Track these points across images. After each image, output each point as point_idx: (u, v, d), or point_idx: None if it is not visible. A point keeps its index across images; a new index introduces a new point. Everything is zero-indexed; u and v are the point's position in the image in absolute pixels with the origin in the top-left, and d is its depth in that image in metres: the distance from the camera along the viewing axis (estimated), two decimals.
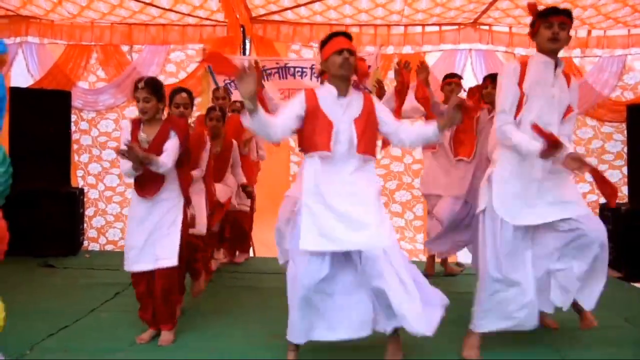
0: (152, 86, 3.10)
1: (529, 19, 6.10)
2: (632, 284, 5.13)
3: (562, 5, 5.39)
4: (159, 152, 3.06)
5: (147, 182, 3.10)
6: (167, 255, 3.09)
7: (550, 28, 2.79)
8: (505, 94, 2.86)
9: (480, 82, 5.96)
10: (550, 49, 2.84)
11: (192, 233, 3.61)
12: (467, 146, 4.38)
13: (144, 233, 3.11)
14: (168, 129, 3.12)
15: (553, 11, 2.83)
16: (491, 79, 4.21)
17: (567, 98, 2.88)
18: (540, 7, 2.90)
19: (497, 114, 2.89)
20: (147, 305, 3.25)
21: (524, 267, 2.89)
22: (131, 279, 3.27)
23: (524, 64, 2.90)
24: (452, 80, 4.73)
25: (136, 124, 3.18)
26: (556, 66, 2.86)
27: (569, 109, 2.89)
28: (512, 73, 2.87)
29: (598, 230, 2.84)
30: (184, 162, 3.24)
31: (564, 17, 2.81)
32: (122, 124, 3.22)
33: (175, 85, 4.88)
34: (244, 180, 4.98)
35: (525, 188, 2.87)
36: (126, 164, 3.00)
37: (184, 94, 3.69)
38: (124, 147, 2.86)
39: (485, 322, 2.94)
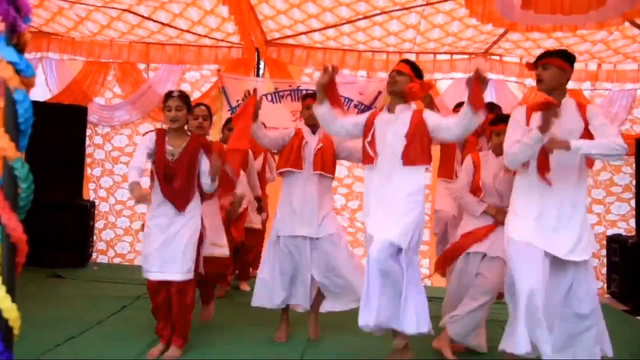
0: (185, 97, 3.24)
1: (539, 51, 6.21)
2: (638, 317, 5.10)
3: (571, 40, 5.54)
4: (188, 166, 3.17)
5: (182, 195, 3.18)
6: (183, 269, 3.13)
7: (537, 71, 2.95)
8: (511, 132, 3.00)
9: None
10: (539, 90, 3.00)
11: (216, 255, 3.68)
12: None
13: (163, 242, 3.15)
14: (199, 148, 3.22)
15: (537, 58, 3.00)
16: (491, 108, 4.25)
17: (578, 128, 2.91)
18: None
19: (505, 151, 3.00)
20: (163, 319, 3.26)
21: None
22: (147, 288, 3.28)
23: (530, 107, 3.03)
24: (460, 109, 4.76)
25: (161, 134, 3.24)
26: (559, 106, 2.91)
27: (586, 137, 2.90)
28: (519, 117, 3.02)
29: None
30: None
31: (545, 59, 2.95)
32: (145, 137, 3.24)
33: None
34: (259, 192, 4.91)
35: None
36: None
37: (203, 107, 3.83)
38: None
39: None
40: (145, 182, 3.29)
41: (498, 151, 3.44)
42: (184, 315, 3.20)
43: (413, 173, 3.12)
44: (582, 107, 2.97)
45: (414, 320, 2.97)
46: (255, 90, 3.70)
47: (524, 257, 2.84)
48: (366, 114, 3.36)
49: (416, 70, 3.27)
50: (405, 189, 3.09)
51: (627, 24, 5.00)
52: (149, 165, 3.26)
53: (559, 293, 2.91)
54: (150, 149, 3.18)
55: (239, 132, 3.50)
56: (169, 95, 3.21)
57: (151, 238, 3.20)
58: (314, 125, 3.70)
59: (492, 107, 4.27)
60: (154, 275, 3.17)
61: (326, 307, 3.72)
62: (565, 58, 2.94)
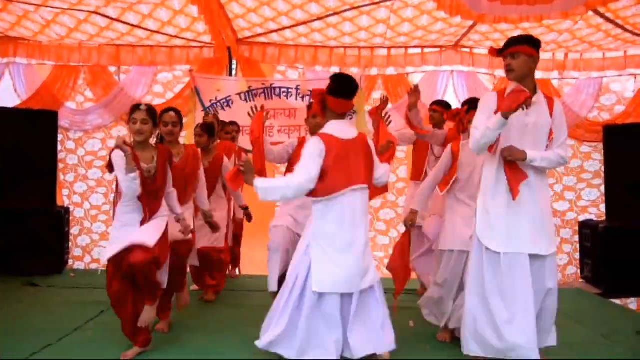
0: (151, 110, 3.24)
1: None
2: (611, 300, 5.22)
3: (538, 31, 5.64)
4: (165, 178, 3.27)
5: (153, 204, 3.21)
6: (145, 238, 3.08)
7: (505, 60, 2.95)
8: (479, 117, 3.00)
9: (461, 102, 6.15)
10: (509, 79, 2.98)
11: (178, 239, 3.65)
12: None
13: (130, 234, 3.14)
14: (166, 157, 3.33)
15: (504, 46, 2.97)
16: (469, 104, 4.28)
17: (546, 124, 2.94)
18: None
19: (471, 134, 3.01)
20: (127, 318, 3.21)
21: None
22: (107, 276, 3.20)
23: (501, 93, 3.02)
24: (436, 107, 4.80)
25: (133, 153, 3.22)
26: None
27: (551, 134, 2.95)
28: (488, 101, 3.02)
29: None
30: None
31: (512, 47, 2.92)
32: (116, 155, 3.10)
33: (163, 106, 4.97)
34: (243, 202, 5.07)
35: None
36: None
37: (172, 113, 3.78)
38: None
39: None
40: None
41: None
42: (145, 273, 3.08)
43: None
44: (550, 102, 3.00)
45: None
46: (262, 106, 3.90)
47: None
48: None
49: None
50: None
51: (591, 13, 5.11)
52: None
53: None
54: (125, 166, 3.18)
55: (257, 155, 3.72)
56: (135, 107, 3.21)
57: (122, 231, 3.17)
58: None
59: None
60: (115, 249, 3.09)
61: None
62: (532, 44, 2.93)
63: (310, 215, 3.16)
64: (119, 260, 3.10)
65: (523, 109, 2.80)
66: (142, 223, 3.17)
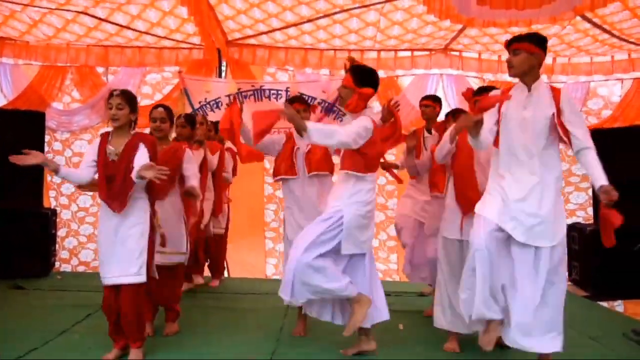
0: (127, 95, 3.17)
1: (497, 46, 6.35)
2: (598, 302, 5.26)
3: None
4: (129, 164, 3.07)
5: (116, 197, 3.09)
6: (133, 271, 3.07)
7: (507, 58, 3.00)
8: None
9: (451, 105, 6.19)
10: (510, 76, 3.04)
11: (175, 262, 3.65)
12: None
13: (112, 247, 3.10)
14: (137, 142, 3.13)
15: (507, 43, 3.03)
16: (452, 115, 4.26)
17: (544, 117, 2.93)
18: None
19: None
20: (112, 322, 3.20)
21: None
22: (103, 301, 3.22)
23: (505, 90, 3.09)
24: (427, 102, 4.69)
25: (104, 137, 3.21)
26: (530, 90, 2.98)
27: (560, 127, 2.92)
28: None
29: None
30: (153, 184, 3.18)
31: (514, 44, 2.97)
32: (91, 144, 3.23)
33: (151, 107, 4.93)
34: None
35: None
36: None
37: (160, 109, 3.75)
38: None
39: None
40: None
41: None
42: (133, 317, 3.10)
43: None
44: (555, 92, 2.98)
45: None
46: (234, 96, 3.79)
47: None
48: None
49: (361, 78, 3.39)
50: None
51: (578, 18, 5.16)
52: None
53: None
54: (94, 154, 3.15)
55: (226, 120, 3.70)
56: (111, 93, 3.16)
57: (100, 242, 3.17)
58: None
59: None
60: (107, 281, 3.12)
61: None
62: (535, 41, 2.93)
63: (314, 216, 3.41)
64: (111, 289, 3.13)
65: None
66: (114, 207, 3.08)
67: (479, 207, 3.01)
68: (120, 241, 3.09)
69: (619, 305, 5.71)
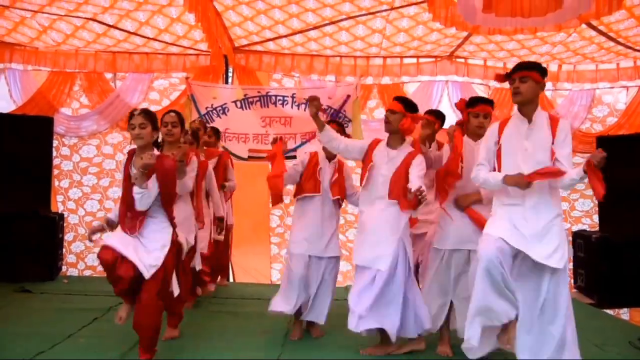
0: (149, 114, 3.17)
1: (502, 54, 6.34)
2: (604, 310, 5.25)
3: (532, 42, 5.70)
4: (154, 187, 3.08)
5: (133, 219, 3.10)
6: (148, 261, 3.04)
7: (513, 84, 2.99)
8: (482, 149, 3.13)
9: (456, 111, 6.16)
10: (515, 103, 3.04)
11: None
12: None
13: (128, 239, 3.07)
14: (154, 168, 3.10)
15: (513, 69, 3.03)
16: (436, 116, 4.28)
17: (545, 145, 2.96)
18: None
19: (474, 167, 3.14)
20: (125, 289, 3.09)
21: None
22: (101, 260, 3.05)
23: (503, 122, 3.12)
24: (429, 117, 4.68)
25: (130, 156, 3.20)
26: (530, 120, 3.00)
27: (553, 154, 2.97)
28: (490, 133, 3.14)
29: None
30: (165, 200, 3.18)
31: (523, 71, 2.97)
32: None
33: (159, 113, 4.95)
34: (221, 212, 4.72)
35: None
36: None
37: (172, 114, 3.79)
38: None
39: None
40: None
41: (477, 134, 3.49)
42: (148, 320, 3.07)
43: (393, 206, 3.44)
44: (554, 121, 3.02)
45: None
46: (281, 138, 4.11)
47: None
48: (368, 141, 3.70)
49: (408, 106, 3.52)
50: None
51: (584, 25, 5.18)
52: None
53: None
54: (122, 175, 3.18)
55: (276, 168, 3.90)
56: (131, 113, 3.17)
57: (117, 232, 3.12)
58: (331, 154, 3.93)
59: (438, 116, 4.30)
60: (113, 244, 3.01)
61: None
62: (541, 72, 2.99)
63: (328, 240, 3.85)
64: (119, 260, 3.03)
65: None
66: (129, 229, 3.10)
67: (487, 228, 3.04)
68: (142, 240, 3.10)
69: (624, 313, 5.70)
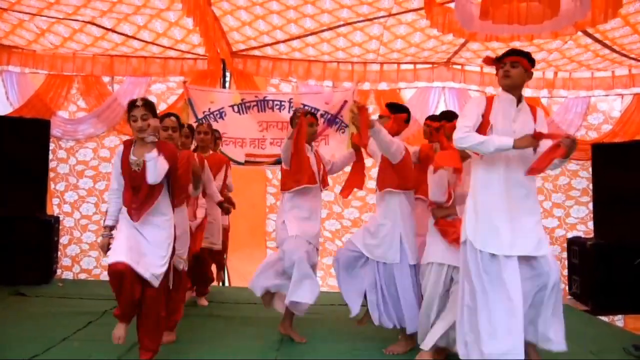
0: (149, 104, 3.17)
1: (489, 53, 6.29)
2: (598, 317, 5.26)
3: (529, 49, 5.72)
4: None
5: (140, 206, 3.10)
6: (157, 270, 3.05)
7: (503, 67, 3.01)
8: (468, 115, 3.02)
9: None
10: (503, 85, 3.04)
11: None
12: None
13: (137, 240, 3.08)
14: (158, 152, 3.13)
15: (505, 53, 3.07)
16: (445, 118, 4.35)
17: (530, 130, 2.97)
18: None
19: (457, 129, 3.00)
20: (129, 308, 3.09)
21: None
22: (110, 277, 3.00)
23: (490, 99, 3.10)
24: (431, 122, 4.69)
25: (128, 146, 3.21)
26: (518, 103, 3.03)
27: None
28: (477, 103, 3.08)
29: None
30: (174, 187, 3.26)
31: (515, 56, 3.02)
32: (115, 155, 3.26)
33: None
34: (219, 197, 4.67)
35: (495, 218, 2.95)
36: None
37: (173, 118, 3.79)
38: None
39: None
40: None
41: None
42: (155, 317, 3.09)
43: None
44: (532, 109, 3.10)
45: None
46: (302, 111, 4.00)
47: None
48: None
49: (393, 108, 3.82)
50: None
51: (580, 33, 5.21)
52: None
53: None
54: (119, 166, 3.17)
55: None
56: (132, 104, 3.14)
57: (122, 234, 3.09)
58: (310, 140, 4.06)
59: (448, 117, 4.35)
60: (125, 260, 2.96)
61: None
62: (530, 61, 3.04)
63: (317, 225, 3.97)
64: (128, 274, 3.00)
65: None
66: (132, 216, 3.11)
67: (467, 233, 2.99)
68: (146, 240, 3.10)
69: (619, 320, 5.70)
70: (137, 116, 3.11)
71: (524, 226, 2.92)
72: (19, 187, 5.81)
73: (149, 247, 3.09)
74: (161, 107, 6.56)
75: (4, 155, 5.83)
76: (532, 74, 3.08)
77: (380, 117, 3.86)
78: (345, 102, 5.95)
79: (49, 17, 5.43)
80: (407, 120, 3.93)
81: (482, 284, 2.87)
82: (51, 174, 6.47)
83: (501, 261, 2.86)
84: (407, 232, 3.69)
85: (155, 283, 3.05)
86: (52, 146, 6.42)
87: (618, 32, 5.25)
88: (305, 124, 3.86)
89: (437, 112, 6.14)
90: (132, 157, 3.14)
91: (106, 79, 6.66)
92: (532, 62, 3.05)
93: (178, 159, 3.36)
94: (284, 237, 3.88)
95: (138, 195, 3.11)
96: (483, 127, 2.99)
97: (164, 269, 3.10)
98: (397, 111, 3.85)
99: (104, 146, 6.59)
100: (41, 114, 6.35)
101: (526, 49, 5.67)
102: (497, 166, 2.97)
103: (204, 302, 5.08)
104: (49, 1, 5.00)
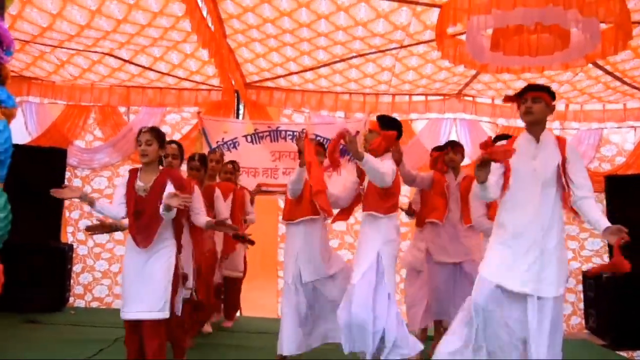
0: (156, 131, 3.27)
1: (510, 92, 6.40)
2: (616, 352, 5.14)
3: (540, 81, 5.77)
4: (157, 200, 3.13)
5: (143, 232, 3.15)
6: (157, 307, 3.10)
7: (525, 103, 3.00)
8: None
9: (465, 149, 6.22)
10: (526, 122, 3.04)
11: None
12: (438, 210, 4.47)
13: (138, 283, 3.14)
14: (165, 179, 3.23)
15: (526, 88, 3.05)
16: (451, 145, 4.57)
17: (553, 165, 2.96)
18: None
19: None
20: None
21: None
22: (125, 334, 3.21)
23: (510, 142, 3.09)
24: (439, 153, 4.68)
25: (134, 173, 3.29)
26: (538, 140, 3.01)
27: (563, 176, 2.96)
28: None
29: None
30: (179, 212, 3.29)
31: (537, 91, 3.00)
32: (121, 179, 3.36)
33: None
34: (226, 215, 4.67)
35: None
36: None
37: (173, 145, 3.87)
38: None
39: None
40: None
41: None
42: (156, 351, 3.11)
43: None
44: (561, 142, 3.04)
45: None
46: (305, 131, 4.04)
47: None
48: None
49: (384, 123, 3.72)
50: None
51: (590, 65, 5.25)
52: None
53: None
54: (123, 190, 3.24)
55: (316, 176, 3.80)
56: (140, 131, 3.27)
57: (126, 277, 3.20)
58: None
59: (453, 145, 4.55)
60: (129, 315, 3.13)
61: None
62: (552, 95, 3.03)
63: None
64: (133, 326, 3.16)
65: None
66: (139, 243, 3.16)
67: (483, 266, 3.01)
68: (147, 276, 3.13)
69: (638, 356, 5.57)
70: (142, 141, 3.21)
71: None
72: (34, 215, 5.87)
73: (148, 286, 3.13)
74: (176, 137, 6.65)
75: (21, 183, 5.88)
76: (554, 107, 3.07)
77: (370, 131, 3.78)
78: (357, 132, 5.98)
79: (69, 48, 5.58)
80: (398, 137, 3.81)
81: None
82: (66, 202, 6.54)
83: None
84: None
85: (161, 316, 3.14)
86: (67, 175, 6.51)
87: (629, 64, 5.28)
88: (311, 144, 3.90)
89: None
90: (139, 183, 3.22)
91: (122, 109, 6.80)
92: (552, 96, 3.04)
93: (187, 184, 3.43)
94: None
95: (141, 221, 3.16)
96: (505, 173, 2.99)
97: (163, 301, 3.12)
98: (388, 126, 3.72)
99: (119, 175, 6.66)
100: (59, 144, 6.46)
101: (537, 81, 5.78)
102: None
103: (208, 328, 5.05)
104: (70, 33, 5.15)
